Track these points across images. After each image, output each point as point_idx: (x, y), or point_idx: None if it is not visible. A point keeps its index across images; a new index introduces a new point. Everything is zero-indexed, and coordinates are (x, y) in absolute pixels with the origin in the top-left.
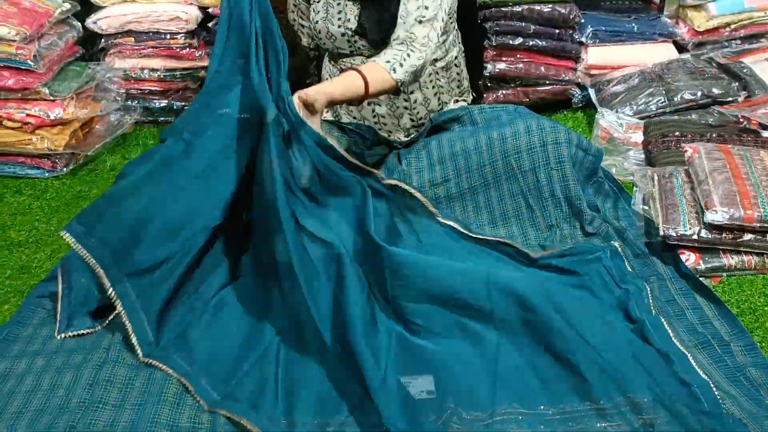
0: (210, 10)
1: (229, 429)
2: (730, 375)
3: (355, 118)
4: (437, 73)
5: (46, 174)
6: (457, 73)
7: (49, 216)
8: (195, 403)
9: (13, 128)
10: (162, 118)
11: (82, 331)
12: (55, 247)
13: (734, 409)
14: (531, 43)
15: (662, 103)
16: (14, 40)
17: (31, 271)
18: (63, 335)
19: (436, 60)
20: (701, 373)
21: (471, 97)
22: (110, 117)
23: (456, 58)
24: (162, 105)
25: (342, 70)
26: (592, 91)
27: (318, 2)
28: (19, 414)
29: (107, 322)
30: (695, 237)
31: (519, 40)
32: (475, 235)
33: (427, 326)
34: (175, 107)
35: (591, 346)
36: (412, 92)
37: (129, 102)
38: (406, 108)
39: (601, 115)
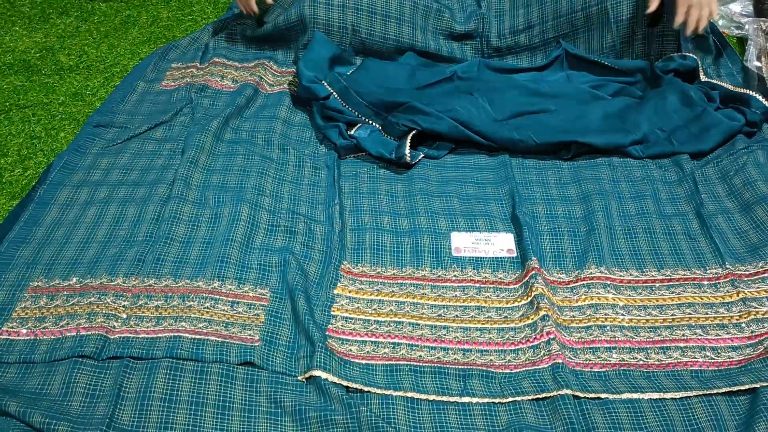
0: None
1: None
2: None
3: None
4: None
5: None
6: None
7: (99, 41)
8: (263, 247)
9: None
10: None
11: None
12: (108, 75)
13: None
14: None
15: None
16: None
17: (84, 99)
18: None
19: None
20: None
21: None
22: None
23: None
24: None
25: None
26: None
27: None
28: (85, 244)
29: None
30: None
31: None
32: None
33: None
34: None
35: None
36: None
37: None
38: None
39: None
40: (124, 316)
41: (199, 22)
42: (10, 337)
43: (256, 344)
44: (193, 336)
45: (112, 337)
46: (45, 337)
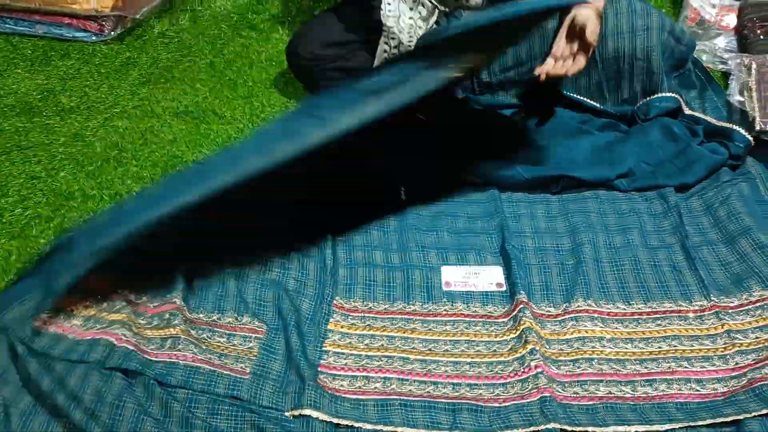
0: None
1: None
2: None
3: None
4: None
5: (93, 38)
6: None
7: (99, 83)
8: (257, 281)
9: None
10: None
11: None
12: (108, 116)
13: None
14: None
15: None
16: None
17: (84, 139)
18: None
19: None
20: None
21: None
22: None
23: None
24: None
25: None
26: None
27: None
28: None
29: None
30: None
31: None
32: None
33: None
34: None
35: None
36: None
37: None
38: None
39: None
40: (134, 330)
41: (197, 63)
42: None
43: (246, 377)
44: (186, 362)
45: (120, 345)
46: (72, 335)
